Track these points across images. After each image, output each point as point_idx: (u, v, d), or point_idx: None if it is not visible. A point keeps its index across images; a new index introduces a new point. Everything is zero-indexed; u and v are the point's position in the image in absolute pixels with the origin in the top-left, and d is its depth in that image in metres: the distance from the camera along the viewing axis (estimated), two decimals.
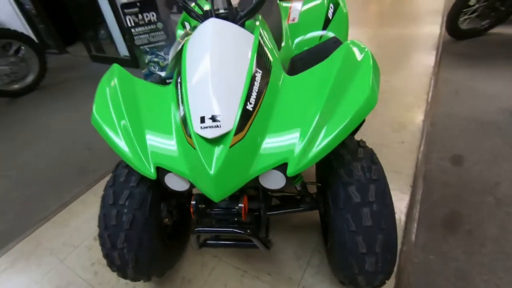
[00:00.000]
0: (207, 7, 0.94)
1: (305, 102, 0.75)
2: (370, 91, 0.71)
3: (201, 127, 0.68)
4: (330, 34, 1.44)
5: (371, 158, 0.84)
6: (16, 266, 1.32)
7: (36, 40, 4.01)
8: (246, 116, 0.70)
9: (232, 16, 0.81)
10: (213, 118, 0.67)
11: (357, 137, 1.60)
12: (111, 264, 0.91)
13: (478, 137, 1.63)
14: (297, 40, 1.48)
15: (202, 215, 0.85)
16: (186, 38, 0.81)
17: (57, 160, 1.97)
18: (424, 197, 1.35)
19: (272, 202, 1.06)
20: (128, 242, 0.87)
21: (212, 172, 0.67)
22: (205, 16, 0.81)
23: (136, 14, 0.93)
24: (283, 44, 1.43)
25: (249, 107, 0.71)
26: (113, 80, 0.84)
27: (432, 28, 3.14)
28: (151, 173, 0.75)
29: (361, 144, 0.90)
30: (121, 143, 0.78)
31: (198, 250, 0.92)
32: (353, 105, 0.70)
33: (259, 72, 0.74)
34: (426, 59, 2.54)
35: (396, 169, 1.50)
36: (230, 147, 0.67)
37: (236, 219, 0.84)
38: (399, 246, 1.15)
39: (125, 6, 0.84)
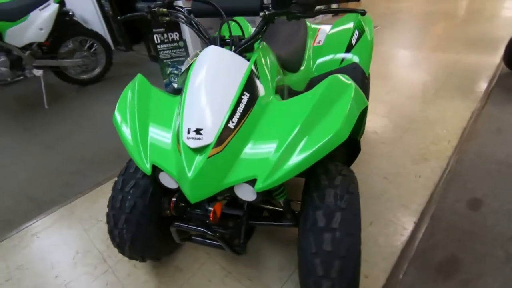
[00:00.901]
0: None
1: (282, 127, 0.82)
2: (340, 125, 0.76)
3: (187, 137, 0.80)
4: (349, 56, 1.47)
5: (348, 187, 0.88)
6: (54, 226, 1.59)
7: (109, 38, 4.59)
8: (226, 133, 0.80)
9: (233, 43, 0.92)
10: (197, 131, 0.79)
11: (371, 161, 1.57)
12: (113, 240, 1.07)
13: (507, 185, 1.50)
14: (318, 61, 1.54)
15: (180, 212, 0.97)
16: (194, 59, 0.94)
17: (101, 145, 2.28)
18: (426, 236, 1.30)
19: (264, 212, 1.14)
20: (127, 224, 1.03)
21: (190, 176, 0.78)
22: (213, 41, 0.93)
23: (162, 34, 1.10)
24: (303, 65, 1.50)
25: (231, 125, 0.81)
26: (134, 87, 1.01)
27: (491, 57, 2.89)
28: (146, 168, 0.89)
29: (344, 172, 0.93)
30: (129, 141, 0.93)
31: (180, 242, 1.04)
32: (322, 136, 0.76)
33: (246, 95, 0.84)
34: (474, 91, 2.36)
35: (404, 203, 1.46)
36: (208, 157, 0.78)
37: (207, 221, 0.94)
38: (382, 282, 1.14)
39: (154, 26, 1.01)
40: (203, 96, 0.82)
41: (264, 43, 1.00)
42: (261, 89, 0.88)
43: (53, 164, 2.11)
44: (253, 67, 0.87)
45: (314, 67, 1.54)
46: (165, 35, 1.10)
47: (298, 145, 0.77)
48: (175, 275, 1.26)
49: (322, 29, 1.69)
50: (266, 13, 0.88)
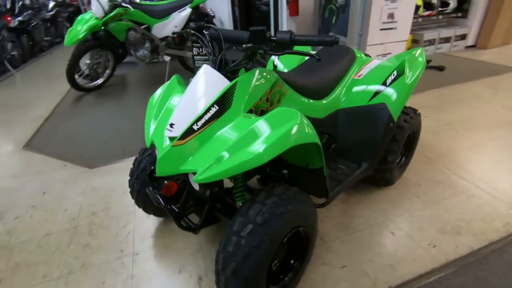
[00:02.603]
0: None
1: (230, 139, 0.98)
2: (263, 150, 0.87)
3: (167, 128, 1.07)
4: (380, 95, 1.42)
5: (275, 209, 0.97)
6: (110, 175, 2.18)
7: None
8: (190, 132, 1.03)
9: (226, 66, 1.13)
10: (172, 125, 1.05)
11: (389, 210, 1.35)
12: (130, 188, 1.48)
13: None
14: (350, 93, 1.53)
15: (152, 180, 1.26)
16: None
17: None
18: None
19: None
20: (137, 180, 1.41)
21: (159, 155, 1.06)
22: (213, 61, 1.16)
23: (199, 48, 1.40)
24: (332, 94, 1.53)
25: (195, 127, 1.03)
26: (166, 84, 1.35)
27: None
28: (148, 143, 1.22)
29: (282, 195, 1.02)
30: (146, 122, 1.28)
31: (156, 205, 1.35)
32: (247, 154, 0.89)
33: (215, 108, 1.04)
34: None
35: (392, 263, 1.33)
36: (172, 146, 1.03)
37: (161, 193, 1.20)
38: None
39: (194, 41, 1.29)
40: (187, 101, 1.07)
41: (260, 69, 1.16)
42: (231, 105, 1.06)
43: None
44: (231, 87, 1.06)
45: (343, 98, 1.55)
46: (200, 49, 1.40)
47: (229, 156, 0.93)
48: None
49: (372, 62, 1.65)
50: (244, 46, 1.05)
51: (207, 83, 1.08)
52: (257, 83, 1.13)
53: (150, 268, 1.40)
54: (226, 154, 0.94)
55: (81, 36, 3.22)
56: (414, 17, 4.31)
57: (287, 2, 3.38)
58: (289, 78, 1.33)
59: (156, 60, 3.88)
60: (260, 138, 0.92)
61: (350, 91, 1.55)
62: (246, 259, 0.92)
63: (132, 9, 3.25)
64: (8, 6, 5.33)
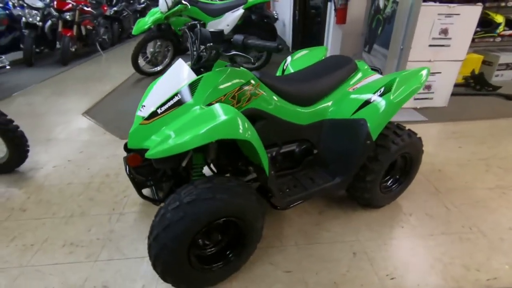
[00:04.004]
0: None
1: (181, 124, 1.11)
2: (194, 137, 0.99)
3: (140, 108, 1.26)
4: (361, 111, 1.39)
5: (201, 192, 1.07)
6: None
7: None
8: (154, 114, 1.19)
9: (198, 61, 1.26)
10: (143, 107, 1.24)
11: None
12: None
13: None
14: (337, 105, 1.51)
15: (126, 151, 1.45)
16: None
17: None
18: None
19: None
20: None
21: (130, 131, 1.25)
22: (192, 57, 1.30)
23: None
24: (319, 104, 1.53)
25: (159, 111, 1.19)
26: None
27: None
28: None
29: (216, 181, 1.12)
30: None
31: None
32: (180, 139, 1.01)
33: (178, 97, 1.18)
34: None
35: None
36: (140, 124, 1.22)
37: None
38: None
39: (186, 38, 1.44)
40: (158, 88, 1.25)
41: (232, 68, 1.25)
42: (193, 96, 1.18)
43: None
44: (195, 81, 1.19)
45: (331, 109, 1.53)
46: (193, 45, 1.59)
47: (172, 138, 1.06)
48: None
49: (373, 76, 1.59)
50: (207, 45, 1.16)
51: (177, 74, 1.23)
52: (224, 80, 1.23)
53: (127, 228, 1.63)
54: (171, 137, 1.08)
55: (146, 27, 3.72)
56: (491, 36, 3.78)
57: (335, 9, 3.32)
58: (272, 82, 1.40)
59: None
60: (196, 127, 1.04)
61: (339, 103, 1.53)
62: (165, 230, 1.05)
63: (189, 6, 3.61)
64: None
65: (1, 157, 2.06)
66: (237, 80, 1.27)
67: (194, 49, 1.36)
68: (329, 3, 3.63)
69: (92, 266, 1.40)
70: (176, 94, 1.19)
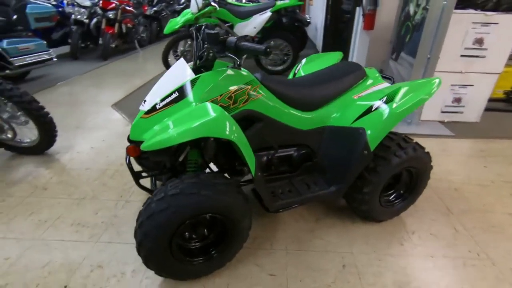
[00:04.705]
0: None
1: (177, 120, 1.16)
2: (180, 132, 1.04)
3: (142, 103, 1.34)
4: (361, 120, 1.35)
5: (185, 188, 1.11)
6: None
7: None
8: (153, 109, 1.26)
9: (196, 62, 1.31)
10: (144, 101, 1.31)
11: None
12: None
13: None
14: (340, 111, 1.48)
15: (129, 142, 1.53)
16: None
17: None
18: None
19: None
20: None
21: (132, 123, 1.34)
22: (196, 56, 1.35)
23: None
24: (324, 109, 1.50)
25: (158, 106, 1.26)
26: None
27: None
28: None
29: (203, 177, 1.16)
30: None
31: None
32: (173, 133, 1.06)
33: (176, 94, 1.24)
34: None
35: None
36: (140, 118, 1.30)
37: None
38: None
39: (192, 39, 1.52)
40: (159, 84, 1.32)
41: (231, 69, 1.28)
42: (190, 94, 1.23)
43: None
44: (194, 80, 1.24)
45: (334, 115, 1.50)
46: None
47: (163, 132, 1.12)
48: None
49: (381, 85, 1.53)
50: (205, 46, 1.20)
51: (177, 73, 1.29)
52: (222, 81, 1.27)
53: (130, 215, 1.73)
54: (163, 131, 1.14)
55: (177, 27, 3.89)
56: None
57: (363, 15, 3.22)
58: (274, 84, 1.41)
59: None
60: (184, 123, 1.09)
61: (343, 110, 1.50)
62: (149, 218, 1.10)
63: (218, 8, 3.72)
64: None
65: (34, 140, 2.29)
66: (235, 81, 1.30)
67: (200, 49, 1.42)
68: (357, 8, 3.53)
69: (93, 246, 1.51)
70: (174, 91, 1.25)
